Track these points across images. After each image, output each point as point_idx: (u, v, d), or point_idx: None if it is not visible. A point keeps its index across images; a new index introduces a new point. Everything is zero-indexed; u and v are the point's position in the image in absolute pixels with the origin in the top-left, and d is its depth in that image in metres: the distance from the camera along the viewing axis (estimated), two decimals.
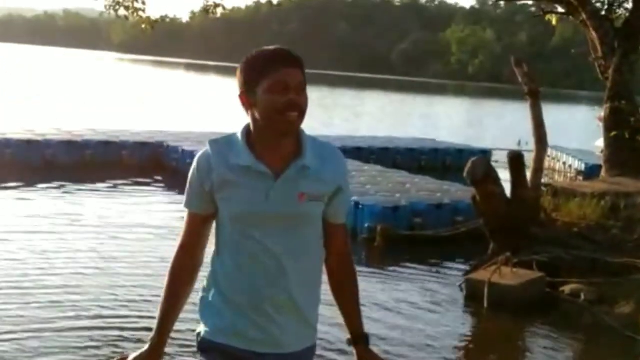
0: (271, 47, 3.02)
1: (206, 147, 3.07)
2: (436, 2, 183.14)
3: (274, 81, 2.91)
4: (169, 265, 3.18)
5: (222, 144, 3.07)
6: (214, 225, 3.16)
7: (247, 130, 3.06)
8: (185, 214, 3.19)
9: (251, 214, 2.99)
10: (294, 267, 3.03)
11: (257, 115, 2.97)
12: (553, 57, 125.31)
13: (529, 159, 12.01)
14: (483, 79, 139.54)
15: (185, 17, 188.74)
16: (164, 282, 3.17)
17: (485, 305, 9.25)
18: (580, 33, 19.20)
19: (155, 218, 13.21)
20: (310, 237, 3.10)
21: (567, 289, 9.80)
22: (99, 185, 16.17)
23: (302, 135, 3.06)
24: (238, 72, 3.03)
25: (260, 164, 2.97)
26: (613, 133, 15.31)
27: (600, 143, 26.52)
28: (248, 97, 2.99)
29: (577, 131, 38.03)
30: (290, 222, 3.02)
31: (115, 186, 16.32)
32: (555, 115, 42.11)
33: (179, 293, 3.18)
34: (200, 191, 3.07)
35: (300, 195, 2.99)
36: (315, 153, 3.05)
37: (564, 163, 24.61)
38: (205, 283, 3.18)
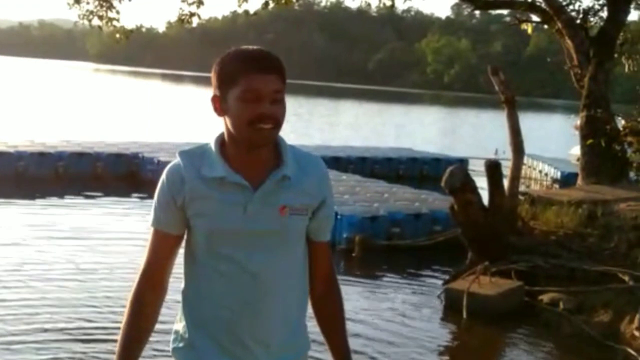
0: (249, 48, 2.73)
1: (176, 159, 2.79)
2: (412, 13, 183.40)
3: (244, 88, 2.63)
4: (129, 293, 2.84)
5: (193, 154, 2.79)
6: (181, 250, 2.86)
7: (221, 140, 2.78)
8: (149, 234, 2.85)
9: (227, 230, 2.71)
10: (276, 292, 2.76)
11: (228, 123, 2.71)
12: (528, 66, 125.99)
13: (506, 167, 12.01)
14: (458, 88, 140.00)
15: (161, 27, 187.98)
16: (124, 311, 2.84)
17: (464, 315, 9.19)
18: (555, 42, 19.28)
19: (130, 230, 13.05)
20: (295, 256, 2.83)
21: (545, 297, 9.78)
22: (73, 198, 16.02)
23: (281, 143, 2.80)
24: (212, 72, 2.76)
25: (236, 175, 2.69)
26: (589, 141, 15.33)
27: (575, 151, 26.62)
28: (220, 103, 2.73)
29: (553, 139, 38.17)
30: (271, 239, 2.73)
31: (89, 198, 16.13)
32: (530, 123, 42.31)
33: (141, 326, 2.82)
34: (170, 207, 2.76)
35: (282, 208, 2.72)
36: (296, 163, 2.78)
37: (540, 171, 24.68)
38: (178, 315, 2.89)
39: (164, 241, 2.83)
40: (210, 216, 2.71)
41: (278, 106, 2.68)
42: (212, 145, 2.79)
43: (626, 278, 9.64)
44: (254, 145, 2.70)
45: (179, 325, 2.87)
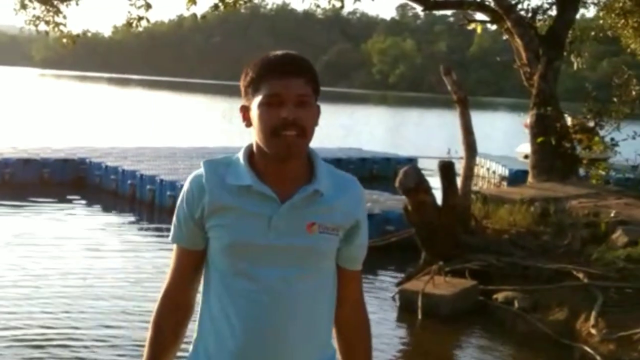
0: (274, 53, 2.56)
1: (199, 169, 2.59)
2: (357, 14, 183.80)
3: (265, 94, 2.46)
4: (152, 312, 2.67)
5: (218, 163, 2.58)
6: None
7: (249, 150, 2.58)
8: (172, 251, 2.66)
9: (248, 245, 2.49)
10: (300, 317, 2.52)
11: (255, 134, 2.52)
12: (472, 66, 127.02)
13: (458, 166, 11.99)
14: (404, 88, 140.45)
15: (107, 32, 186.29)
16: (148, 328, 2.67)
17: (420, 315, 9.11)
18: (499, 42, 19.41)
19: (79, 235, 12.85)
20: (322, 278, 2.58)
21: (500, 296, 9.73)
22: (19, 205, 15.64)
23: (314, 158, 2.59)
24: (240, 81, 2.59)
25: (263, 185, 2.48)
26: (540, 139, 15.38)
27: (522, 149, 26.88)
28: (246, 111, 2.56)
29: (498, 138, 38.29)
30: (297, 257, 2.50)
31: (36, 205, 15.80)
32: (475, 122, 42.31)
33: (165, 347, 2.65)
34: (189, 220, 2.57)
35: (310, 224, 2.50)
36: (330, 180, 2.56)
37: (488, 169, 24.79)
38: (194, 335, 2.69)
39: (185, 258, 2.64)
40: (231, 227, 2.51)
41: (304, 112, 2.48)
42: (240, 156, 2.58)
43: (581, 275, 9.62)
44: (280, 157, 2.49)
45: (194, 349, 2.67)
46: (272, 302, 2.49)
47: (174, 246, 2.65)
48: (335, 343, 2.74)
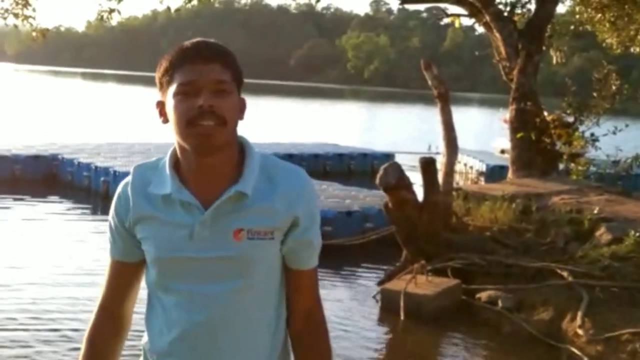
0: (191, 40, 2.32)
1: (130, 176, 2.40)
2: (332, 10, 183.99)
3: (179, 82, 2.22)
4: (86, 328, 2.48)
5: (147, 168, 2.37)
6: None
7: (174, 152, 2.35)
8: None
9: (171, 259, 2.28)
10: (236, 337, 2.32)
11: (172, 129, 2.28)
12: (445, 61, 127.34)
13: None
14: (378, 84, 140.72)
15: (80, 27, 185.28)
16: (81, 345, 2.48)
17: (402, 316, 8.91)
18: (470, 37, 19.27)
19: (50, 233, 12.62)
20: (262, 289, 2.34)
21: (483, 295, 9.55)
22: None
23: (247, 152, 2.35)
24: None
25: (184, 191, 2.26)
26: (519, 134, 15.23)
27: (498, 143, 26.83)
28: (162, 107, 2.32)
29: (473, 132, 38.20)
30: (226, 269, 2.27)
31: (7, 202, 15.50)
32: None
33: None
34: (119, 231, 2.38)
35: (237, 231, 2.25)
36: (265, 177, 2.32)
37: (465, 164, 24.64)
38: None
39: (118, 271, 2.44)
40: (154, 240, 2.30)
41: (223, 99, 2.23)
42: (166, 159, 2.35)
43: (565, 274, 9.44)
44: (200, 150, 2.23)
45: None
46: (206, 321, 2.29)
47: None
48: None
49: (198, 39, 2.33)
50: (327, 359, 2.49)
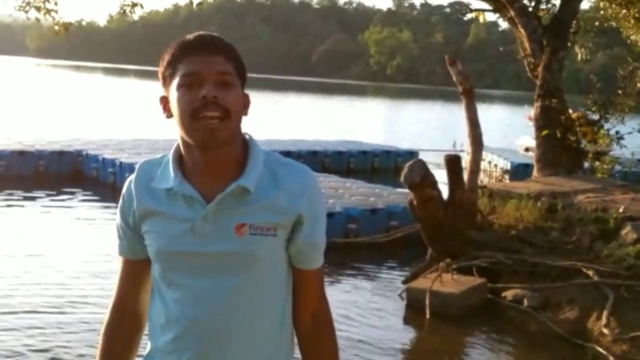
0: (194, 33, 2.33)
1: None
2: (354, 5, 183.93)
3: (182, 73, 2.23)
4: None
5: (152, 164, 2.38)
6: None
7: (178, 146, 2.36)
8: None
9: (174, 253, 2.28)
10: (236, 332, 2.30)
11: (176, 123, 2.27)
12: (468, 57, 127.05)
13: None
14: (401, 80, 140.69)
15: (102, 22, 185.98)
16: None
17: (427, 314, 8.90)
18: (494, 33, 19.17)
19: (75, 230, 12.68)
20: (266, 286, 2.33)
21: (509, 294, 9.54)
22: (14, 199, 15.37)
23: (250, 148, 2.34)
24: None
25: (186, 185, 2.27)
26: (544, 132, 15.15)
27: (522, 141, 26.71)
28: (166, 102, 2.33)
29: (497, 130, 38.09)
30: (227, 265, 2.26)
31: (31, 199, 15.55)
32: None
33: (116, 358, 2.51)
34: (125, 228, 2.40)
35: (239, 226, 2.24)
36: (269, 173, 2.31)
37: (490, 162, 24.52)
38: None
39: (127, 269, 2.47)
40: (158, 234, 2.31)
41: (226, 91, 2.23)
42: (170, 154, 2.37)
43: (591, 273, 9.39)
44: (204, 144, 2.23)
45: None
46: (207, 317, 2.29)
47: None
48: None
49: (200, 32, 2.34)
50: (333, 358, 2.51)
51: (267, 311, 2.35)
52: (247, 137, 2.39)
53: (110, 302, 2.52)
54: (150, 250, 2.35)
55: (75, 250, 11.25)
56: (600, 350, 8.03)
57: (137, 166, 2.43)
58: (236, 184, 2.25)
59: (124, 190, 2.41)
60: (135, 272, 2.46)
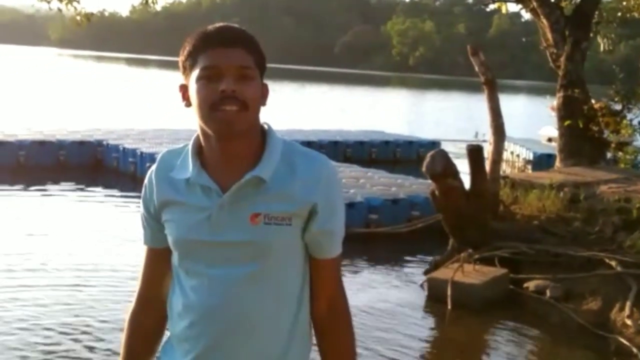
0: (215, 25, 2.34)
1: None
2: None
3: (203, 66, 2.25)
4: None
5: (174, 154, 2.41)
6: None
7: (198, 136, 2.39)
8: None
9: (189, 241, 2.31)
10: (251, 320, 2.32)
11: (195, 114, 2.30)
12: (490, 48, 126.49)
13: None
14: (423, 71, 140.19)
15: (125, 12, 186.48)
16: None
17: (449, 305, 8.86)
18: (517, 24, 19.05)
19: (95, 220, 12.70)
20: (277, 275, 2.33)
21: (531, 285, 9.48)
22: (34, 189, 15.40)
23: (268, 138, 2.36)
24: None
25: (204, 176, 2.30)
26: (567, 122, 15.05)
27: (545, 131, 26.56)
28: (185, 91, 2.35)
29: (520, 120, 37.90)
30: (242, 254, 2.28)
31: (52, 189, 15.61)
32: None
33: (136, 349, 2.56)
34: (148, 217, 2.45)
35: (254, 216, 2.26)
36: (286, 163, 2.32)
37: (512, 152, 24.41)
38: None
39: (150, 257, 2.51)
40: (176, 223, 2.34)
41: (245, 84, 2.25)
42: (190, 144, 2.39)
43: (613, 263, 9.32)
44: (222, 135, 2.26)
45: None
46: (222, 304, 2.31)
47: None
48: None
49: (221, 23, 2.36)
50: (349, 348, 2.51)
51: (283, 300, 2.36)
52: (265, 126, 2.40)
53: (135, 289, 2.56)
54: (169, 238, 2.38)
55: (95, 241, 11.28)
56: (624, 341, 7.97)
57: (159, 156, 2.46)
58: (251, 174, 2.27)
59: (146, 179, 2.45)
60: (158, 261, 2.49)
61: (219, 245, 2.29)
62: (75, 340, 7.37)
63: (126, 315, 2.58)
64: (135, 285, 2.57)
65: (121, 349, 2.57)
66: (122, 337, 2.57)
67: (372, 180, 15.01)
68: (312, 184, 2.32)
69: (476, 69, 11.51)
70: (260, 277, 2.30)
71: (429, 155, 9.84)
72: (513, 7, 18.30)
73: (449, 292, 8.91)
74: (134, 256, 10.15)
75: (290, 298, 2.37)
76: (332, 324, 2.47)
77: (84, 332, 7.58)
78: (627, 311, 8.32)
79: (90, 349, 7.21)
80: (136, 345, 2.55)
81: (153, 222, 2.43)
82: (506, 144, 24.41)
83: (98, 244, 11.09)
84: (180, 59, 2.35)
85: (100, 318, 8.00)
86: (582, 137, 15.05)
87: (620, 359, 7.78)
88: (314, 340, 2.51)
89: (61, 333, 7.52)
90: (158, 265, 2.49)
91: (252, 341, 2.33)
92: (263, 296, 2.31)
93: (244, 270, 2.29)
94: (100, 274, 9.62)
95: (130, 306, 2.56)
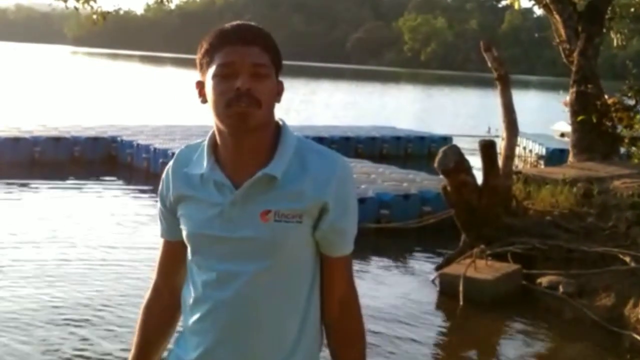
0: (232, 23, 2.38)
1: None
2: None
3: (219, 63, 2.28)
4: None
5: (192, 148, 2.44)
6: None
7: (214, 133, 2.41)
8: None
9: (201, 236, 2.34)
10: (260, 316, 2.33)
11: (210, 109, 2.33)
12: (503, 44, 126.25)
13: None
14: (435, 67, 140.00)
15: (139, 10, 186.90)
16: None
17: (461, 301, 8.82)
18: (529, 19, 19.00)
19: (110, 215, 12.70)
20: (287, 273, 2.34)
21: (544, 281, 9.42)
22: (49, 184, 15.42)
23: (282, 134, 2.37)
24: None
25: (217, 171, 2.32)
26: (580, 117, 15.02)
27: (558, 126, 26.51)
28: (202, 87, 2.38)
29: (532, 116, 37.80)
30: (252, 250, 2.29)
31: (66, 184, 15.65)
32: None
33: (148, 338, 2.60)
34: (164, 210, 2.49)
35: (264, 213, 2.27)
36: (298, 160, 2.33)
37: (524, 147, 24.35)
38: None
39: (166, 250, 2.56)
40: (190, 218, 2.39)
41: (261, 82, 2.27)
42: (206, 140, 2.42)
43: (627, 259, 9.28)
44: (236, 130, 2.28)
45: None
46: (231, 300, 2.33)
47: None
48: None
49: (238, 21, 2.39)
50: (360, 347, 2.50)
51: (292, 297, 2.37)
52: (280, 123, 2.42)
53: (150, 281, 2.62)
54: (183, 233, 2.41)
55: (109, 236, 11.30)
56: (638, 337, 7.92)
57: (177, 151, 2.50)
58: (263, 171, 2.29)
59: (163, 174, 2.49)
60: (173, 254, 2.52)
61: (230, 241, 2.31)
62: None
63: (142, 305, 2.63)
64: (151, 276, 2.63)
65: (134, 337, 2.62)
66: (135, 325, 2.63)
67: (384, 175, 14.97)
68: (323, 182, 2.31)
69: (489, 64, 11.47)
70: (270, 274, 2.31)
71: (441, 150, 9.83)
72: (525, 3, 18.25)
73: (461, 288, 8.86)
74: (147, 249, 10.20)
75: (300, 295, 2.38)
76: (342, 322, 2.46)
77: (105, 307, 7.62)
78: None
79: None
80: (149, 334, 2.59)
81: (169, 216, 2.47)
82: (519, 139, 24.46)
83: (111, 237, 11.17)
84: (197, 56, 2.38)
85: (115, 311, 8.03)
86: (595, 132, 15.03)
87: (634, 355, 7.73)
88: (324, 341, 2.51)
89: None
90: (173, 257, 2.53)
91: (261, 337, 2.34)
92: (272, 293, 2.32)
93: (254, 267, 2.30)
94: (113, 264, 9.75)
95: (145, 297, 2.62)
